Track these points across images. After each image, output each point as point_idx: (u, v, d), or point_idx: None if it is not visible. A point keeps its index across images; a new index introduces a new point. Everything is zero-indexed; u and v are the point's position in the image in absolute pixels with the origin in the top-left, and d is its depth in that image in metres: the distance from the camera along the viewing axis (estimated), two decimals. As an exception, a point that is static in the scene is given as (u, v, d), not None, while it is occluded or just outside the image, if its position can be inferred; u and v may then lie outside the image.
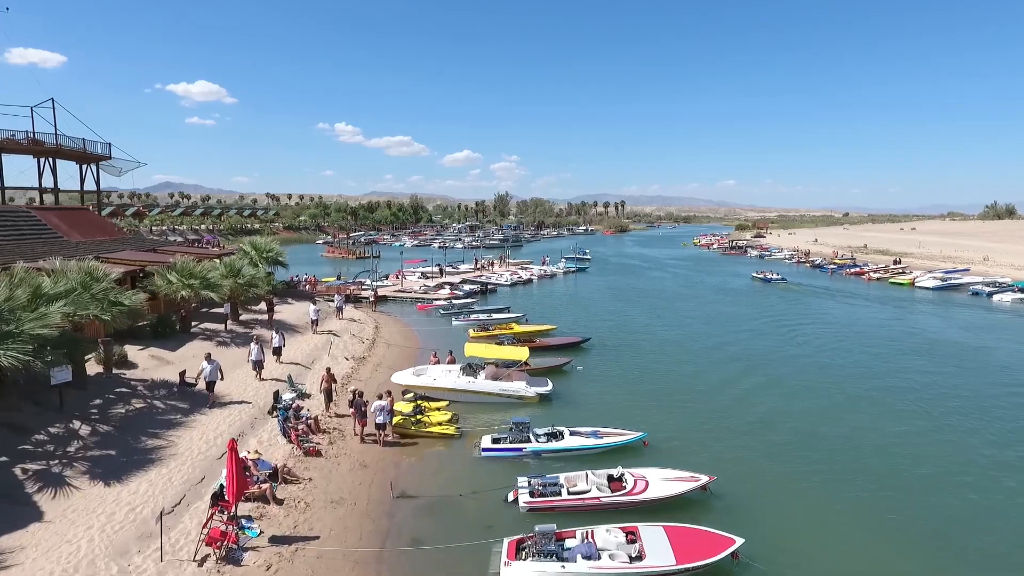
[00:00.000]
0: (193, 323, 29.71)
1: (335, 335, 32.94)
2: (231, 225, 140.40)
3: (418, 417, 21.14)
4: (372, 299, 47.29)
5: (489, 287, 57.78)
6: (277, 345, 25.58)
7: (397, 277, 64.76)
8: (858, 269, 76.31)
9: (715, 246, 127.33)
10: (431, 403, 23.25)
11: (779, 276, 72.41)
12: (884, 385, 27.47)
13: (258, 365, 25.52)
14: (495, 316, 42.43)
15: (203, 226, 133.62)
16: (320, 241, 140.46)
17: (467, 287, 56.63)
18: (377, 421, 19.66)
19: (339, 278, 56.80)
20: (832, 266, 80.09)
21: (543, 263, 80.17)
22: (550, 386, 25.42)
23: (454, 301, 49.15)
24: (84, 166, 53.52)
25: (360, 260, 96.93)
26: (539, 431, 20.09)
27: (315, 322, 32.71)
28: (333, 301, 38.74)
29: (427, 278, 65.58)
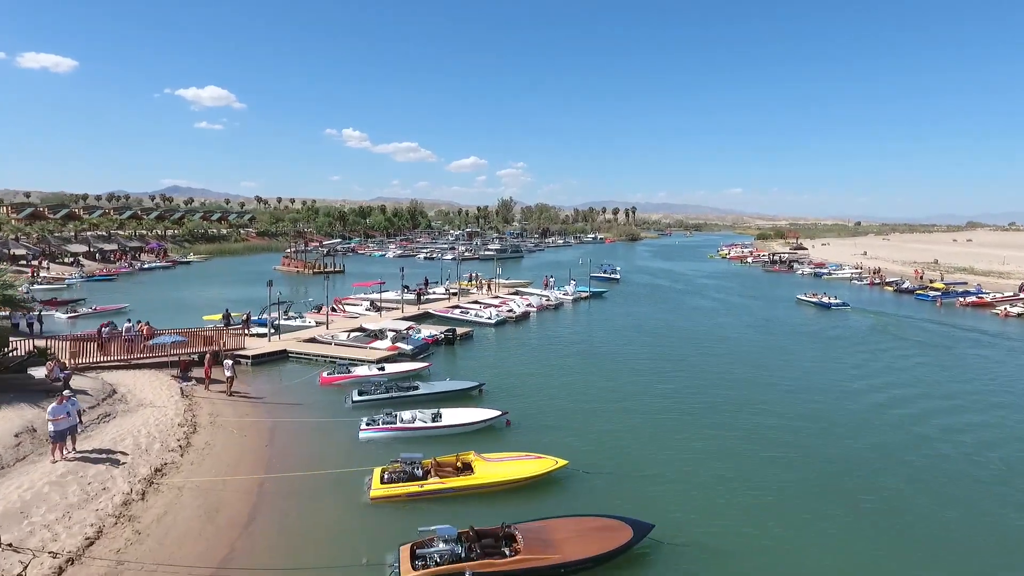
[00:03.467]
0: None
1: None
2: (190, 230, 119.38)
3: None
4: (209, 370, 25.36)
5: (458, 335, 35.93)
6: None
7: (334, 310, 43.45)
8: (977, 298, 54.41)
9: (750, 259, 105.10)
10: None
11: (839, 301, 51.48)
12: None
13: None
14: (445, 416, 21.03)
15: (154, 231, 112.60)
16: (292, 249, 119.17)
17: (422, 334, 35.04)
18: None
19: (229, 317, 35.39)
20: (935, 293, 57.93)
21: (545, 285, 58.43)
22: None
23: (387, 368, 27.73)
24: None
25: (320, 275, 75.93)
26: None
27: None
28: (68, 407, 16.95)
29: (377, 310, 44.21)
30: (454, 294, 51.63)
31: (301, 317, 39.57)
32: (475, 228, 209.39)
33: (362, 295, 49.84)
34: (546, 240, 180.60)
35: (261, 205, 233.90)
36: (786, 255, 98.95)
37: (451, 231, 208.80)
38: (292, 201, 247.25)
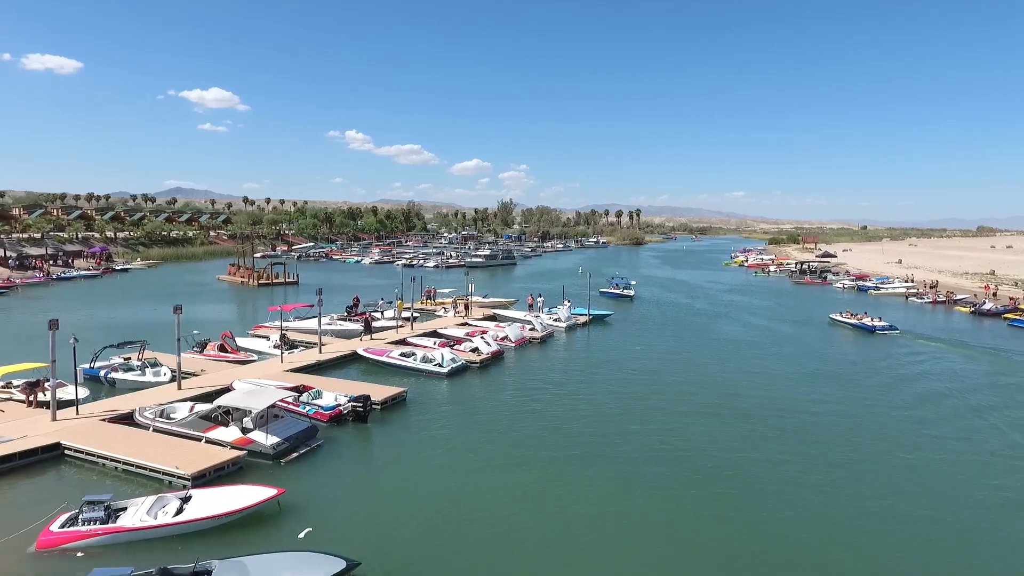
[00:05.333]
0: None
1: None
2: (148, 232, 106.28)
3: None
4: None
5: (381, 402, 22.33)
6: None
7: (223, 350, 30.23)
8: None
9: (772, 268, 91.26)
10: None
11: (885, 323, 40.45)
12: None
13: None
14: None
15: (106, 232, 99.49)
16: (258, 255, 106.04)
17: (321, 402, 21.70)
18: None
19: (31, 387, 21.75)
20: (1037, 318, 44.18)
21: (530, 306, 44.91)
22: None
23: (197, 499, 14.28)
24: None
25: (266, 287, 62.76)
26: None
27: None
28: None
29: (289, 347, 30.96)
30: (407, 320, 38.12)
31: (155, 367, 26.12)
32: (471, 231, 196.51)
33: (279, 323, 36.48)
34: (545, 244, 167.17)
35: (247, 205, 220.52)
36: (815, 264, 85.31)
37: (445, 234, 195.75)
38: (282, 202, 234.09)
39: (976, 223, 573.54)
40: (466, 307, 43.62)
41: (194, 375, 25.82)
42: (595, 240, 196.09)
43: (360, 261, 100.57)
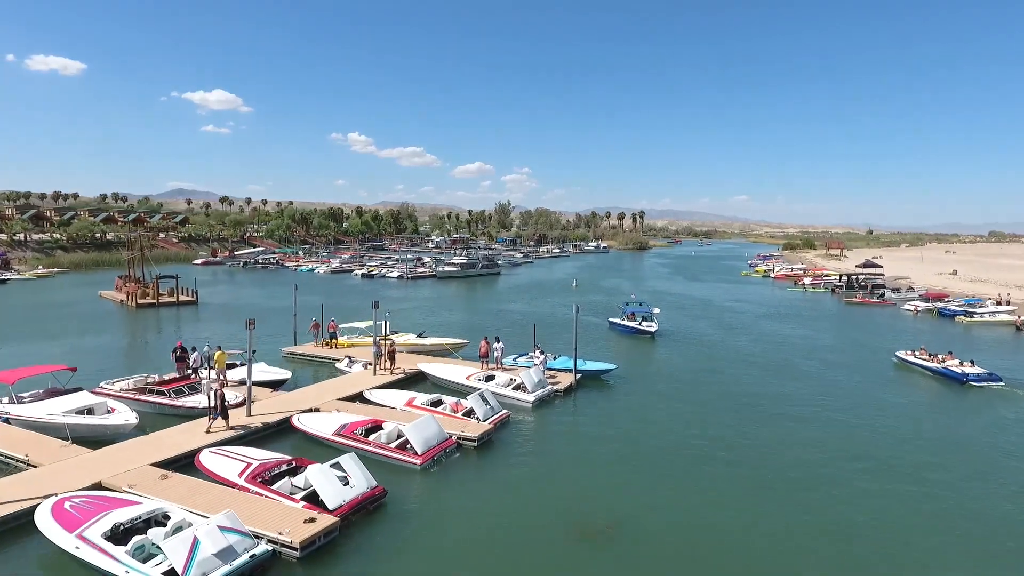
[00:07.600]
0: None
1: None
2: (73, 234, 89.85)
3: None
4: None
5: None
6: None
7: None
8: None
9: (808, 281, 73.75)
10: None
11: (981, 371, 27.49)
12: None
13: None
14: None
15: (14, 234, 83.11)
16: (198, 261, 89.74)
17: None
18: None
19: None
20: None
21: (483, 357, 27.59)
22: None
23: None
24: None
25: (150, 309, 46.30)
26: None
27: None
28: None
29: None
30: (238, 392, 21.24)
31: None
32: (463, 234, 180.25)
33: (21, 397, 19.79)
34: (539, 249, 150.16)
35: (225, 205, 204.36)
36: (864, 277, 68.20)
37: (434, 237, 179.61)
38: (264, 203, 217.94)
39: (982, 228, 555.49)
40: (391, 356, 26.77)
41: None
42: (595, 244, 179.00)
43: (314, 270, 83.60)
